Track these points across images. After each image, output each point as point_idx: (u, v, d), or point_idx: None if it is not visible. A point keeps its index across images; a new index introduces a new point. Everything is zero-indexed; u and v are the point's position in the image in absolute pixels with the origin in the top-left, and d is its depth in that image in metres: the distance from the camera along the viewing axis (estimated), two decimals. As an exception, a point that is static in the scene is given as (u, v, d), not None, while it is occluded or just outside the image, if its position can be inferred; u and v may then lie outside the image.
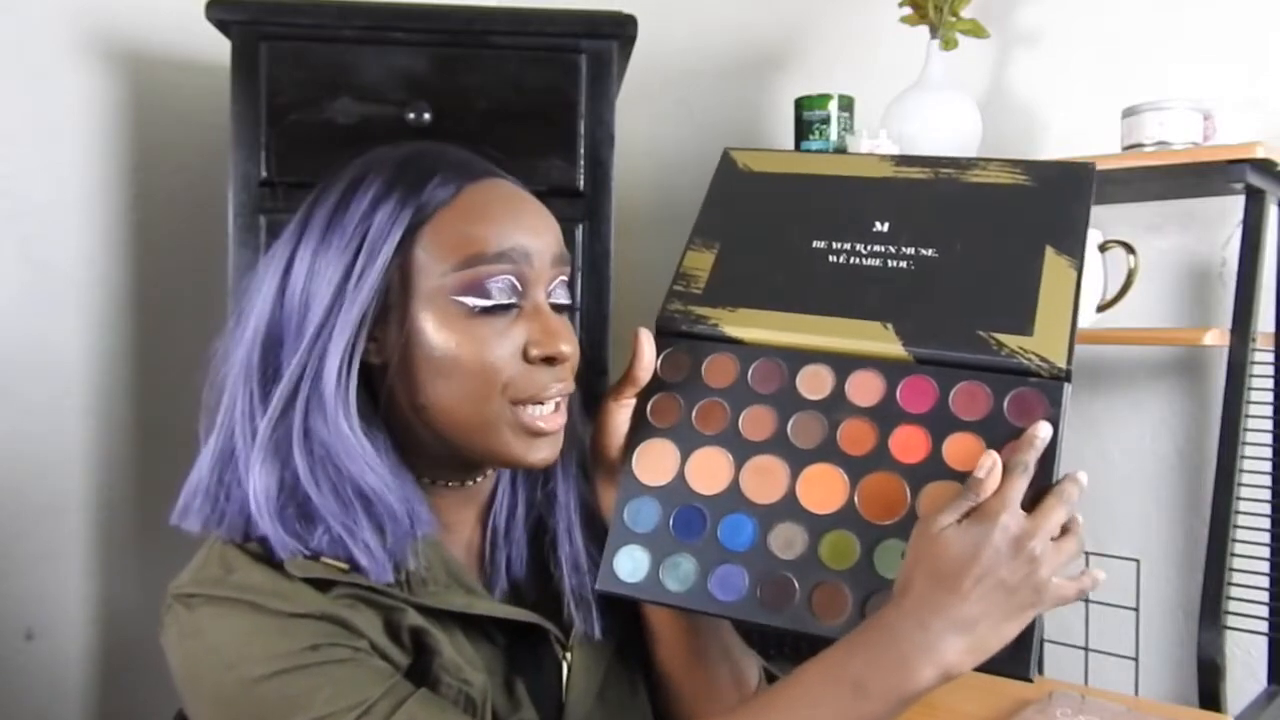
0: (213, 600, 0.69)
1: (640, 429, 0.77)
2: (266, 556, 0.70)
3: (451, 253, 0.72)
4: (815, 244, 0.79)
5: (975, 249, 0.76)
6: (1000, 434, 0.69)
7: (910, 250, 0.77)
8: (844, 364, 0.74)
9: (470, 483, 0.80)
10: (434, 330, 0.72)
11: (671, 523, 0.73)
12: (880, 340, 0.74)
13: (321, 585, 0.70)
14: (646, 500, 0.74)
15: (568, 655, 0.78)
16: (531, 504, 0.82)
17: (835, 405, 0.73)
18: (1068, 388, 0.69)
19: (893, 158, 0.83)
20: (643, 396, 0.77)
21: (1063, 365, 0.70)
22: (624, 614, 0.83)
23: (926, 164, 0.81)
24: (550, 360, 0.73)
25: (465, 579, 0.76)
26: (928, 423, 0.71)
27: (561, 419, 0.75)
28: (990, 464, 0.66)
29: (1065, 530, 0.66)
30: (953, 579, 0.63)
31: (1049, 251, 0.74)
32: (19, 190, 1.53)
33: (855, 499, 0.70)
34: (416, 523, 0.73)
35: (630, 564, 0.73)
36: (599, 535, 0.79)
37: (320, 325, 0.71)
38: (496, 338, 0.72)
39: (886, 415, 0.72)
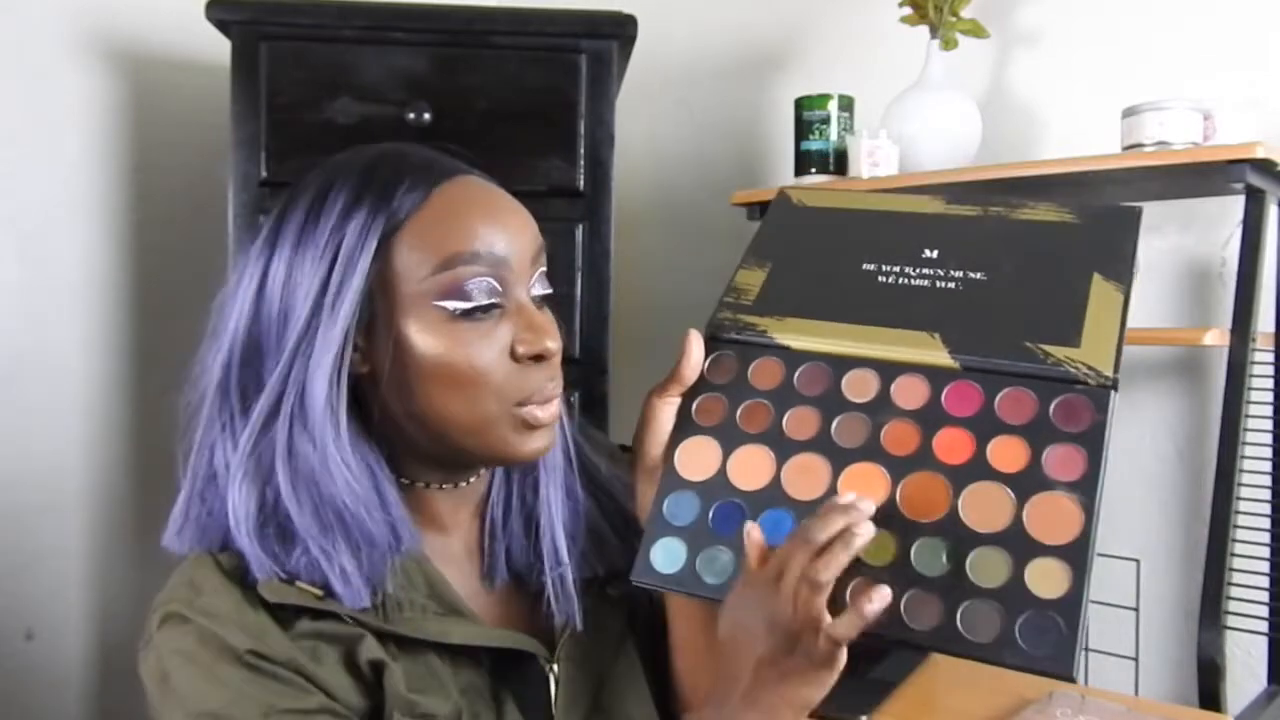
0: (178, 624, 0.69)
1: (684, 427, 0.77)
2: (240, 574, 0.70)
3: (428, 258, 0.71)
4: (865, 266, 0.81)
5: (1023, 274, 0.77)
6: (1045, 438, 0.69)
7: (959, 273, 0.79)
8: (890, 370, 0.75)
9: (464, 483, 0.79)
10: (419, 337, 0.71)
11: (711, 516, 0.73)
12: (927, 349, 0.75)
13: (288, 614, 0.70)
14: (686, 494, 0.75)
15: (554, 668, 0.78)
16: (524, 496, 0.82)
17: (880, 408, 0.74)
18: (1114, 395, 0.70)
19: (944, 196, 0.85)
20: (688, 397, 0.78)
21: (1110, 374, 0.70)
22: (622, 626, 0.83)
23: (977, 202, 0.84)
24: (539, 358, 0.73)
25: (447, 595, 0.75)
26: (972, 426, 0.71)
27: (557, 409, 0.75)
28: (750, 540, 0.67)
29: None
30: (726, 662, 0.68)
31: (1096, 277, 0.76)
32: (19, 190, 1.53)
33: (897, 497, 0.71)
34: (399, 541, 0.73)
35: (666, 556, 0.73)
36: (624, 531, 0.80)
37: (300, 339, 0.70)
38: (481, 340, 0.71)
39: (931, 418, 0.73)
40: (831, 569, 0.63)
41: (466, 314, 0.71)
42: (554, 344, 0.73)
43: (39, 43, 1.55)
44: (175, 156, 1.66)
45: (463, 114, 1.34)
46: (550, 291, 0.77)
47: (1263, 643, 1.31)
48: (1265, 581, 1.25)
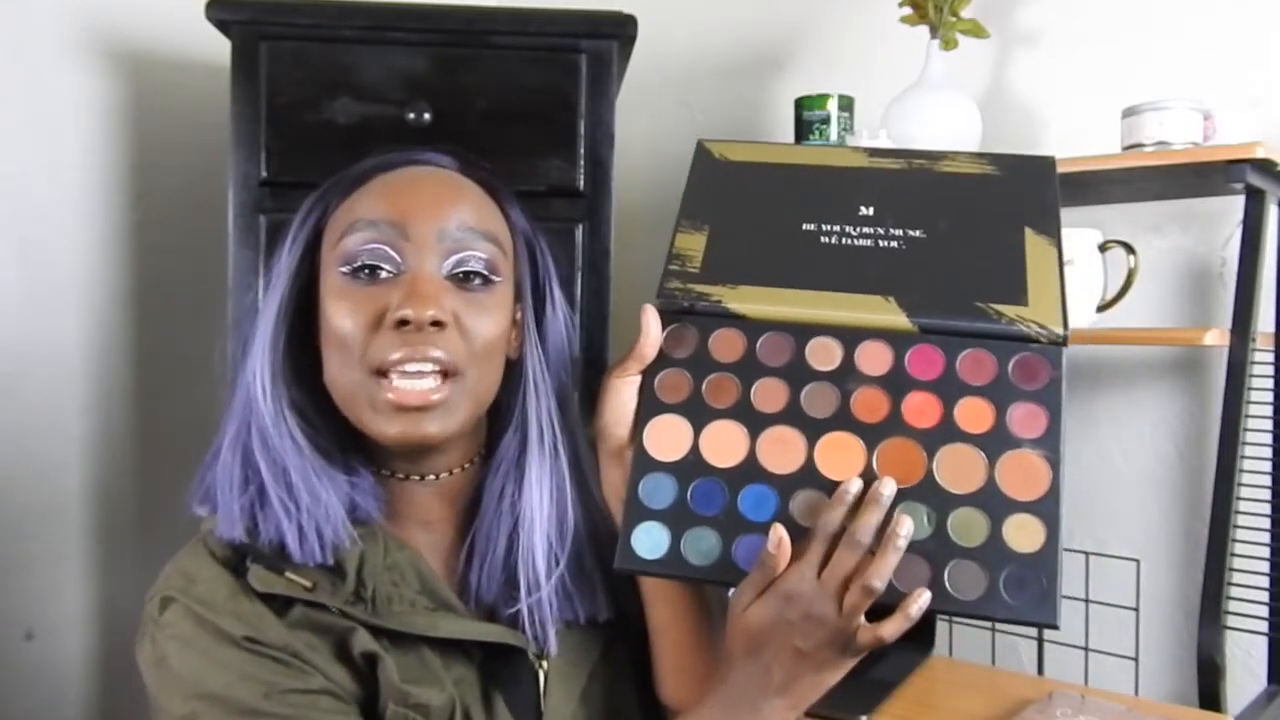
0: (174, 609, 0.70)
1: (648, 406, 0.76)
2: (233, 563, 0.71)
3: (336, 230, 0.75)
4: (805, 226, 0.81)
5: (960, 230, 0.79)
6: (1007, 396, 0.72)
7: (899, 231, 0.80)
8: (851, 336, 0.76)
9: (431, 476, 0.79)
10: (324, 303, 0.75)
11: (690, 497, 0.73)
12: (884, 312, 0.76)
13: (280, 604, 0.70)
14: (661, 476, 0.74)
15: (544, 665, 0.78)
16: (513, 508, 0.80)
17: (846, 375, 0.75)
18: (1065, 351, 0.73)
19: (865, 150, 0.86)
20: (648, 374, 0.77)
21: (1060, 331, 0.73)
22: (610, 620, 0.82)
23: (899, 155, 0.85)
24: (401, 323, 0.71)
25: (439, 591, 0.75)
26: (938, 389, 0.73)
27: (427, 396, 0.71)
28: (777, 539, 0.67)
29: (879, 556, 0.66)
30: (755, 654, 0.68)
31: (1028, 232, 0.78)
32: (19, 190, 1.53)
33: (874, 464, 0.71)
34: (355, 509, 0.73)
35: (649, 541, 0.73)
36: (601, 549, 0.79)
37: (259, 320, 0.76)
38: (356, 301, 0.73)
39: (897, 383, 0.74)
40: (885, 574, 0.65)
41: (354, 275, 0.73)
42: (430, 311, 0.70)
43: (39, 43, 1.54)
44: (175, 156, 1.66)
45: (463, 114, 1.33)
46: (495, 278, 0.76)
47: (1263, 643, 1.31)
48: (1265, 581, 1.25)
